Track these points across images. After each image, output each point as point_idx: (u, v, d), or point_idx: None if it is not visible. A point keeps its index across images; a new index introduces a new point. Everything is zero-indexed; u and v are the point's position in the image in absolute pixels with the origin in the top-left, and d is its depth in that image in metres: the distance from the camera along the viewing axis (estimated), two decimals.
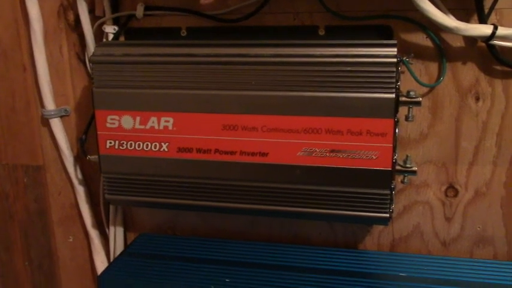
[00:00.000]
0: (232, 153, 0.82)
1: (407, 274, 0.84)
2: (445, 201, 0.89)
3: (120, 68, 0.84)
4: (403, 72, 0.83)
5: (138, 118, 0.84)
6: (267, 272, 0.86)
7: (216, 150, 0.82)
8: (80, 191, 1.03)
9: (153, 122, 0.83)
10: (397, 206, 0.91)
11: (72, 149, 1.03)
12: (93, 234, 1.04)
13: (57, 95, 1.01)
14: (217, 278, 0.85)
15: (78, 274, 1.10)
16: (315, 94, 0.77)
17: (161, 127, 0.83)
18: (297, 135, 0.79)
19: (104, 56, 0.85)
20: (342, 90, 0.76)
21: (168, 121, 0.83)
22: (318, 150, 0.79)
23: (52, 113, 1.00)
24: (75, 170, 1.03)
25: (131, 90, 0.83)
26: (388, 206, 0.79)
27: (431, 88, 0.85)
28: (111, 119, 0.85)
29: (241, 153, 0.81)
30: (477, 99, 0.84)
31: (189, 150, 0.83)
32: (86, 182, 1.04)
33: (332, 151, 0.78)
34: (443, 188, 0.89)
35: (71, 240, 1.09)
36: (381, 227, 0.93)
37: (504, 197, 0.87)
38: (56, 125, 1.01)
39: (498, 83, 0.83)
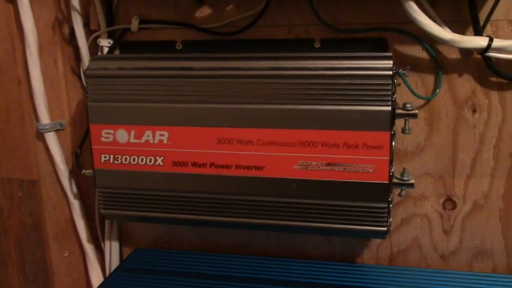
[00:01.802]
0: (227, 167, 0.81)
1: None
2: (443, 213, 0.89)
3: (115, 82, 0.83)
4: (399, 85, 0.83)
5: (132, 132, 0.83)
6: (264, 287, 0.85)
7: (212, 164, 0.82)
8: (75, 205, 1.02)
9: (148, 136, 0.83)
10: (394, 219, 0.90)
11: (67, 163, 1.02)
12: (89, 249, 1.03)
13: (52, 109, 1.00)
14: None
15: None
16: (311, 107, 0.76)
17: (156, 141, 0.83)
18: (292, 149, 0.78)
19: (98, 69, 0.85)
20: (338, 103, 0.75)
21: (163, 135, 0.82)
22: (314, 164, 0.78)
23: (47, 127, 0.99)
24: (70, 184, 1.02)
25: (126, 104, 0.83)
26: (385, 219, 0.78)
27: (428, 100, 0.85)
28: (106, 133, 0.84)
29: (237, 167, 0.81)
30: (474, 111, 0.84)
31: (185, 164, 0.83)
32: (81, 196, 1.03)
33: (328, 164, 0.78)
34: (441, 200, 0.88)
35: (66, 255, 1.08)
36: (379, 240, 0.92)
37: (502, 209, 0.86)
38: (51, 139, 1.00)
39: (494, 95, 0.83)
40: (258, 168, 0.80)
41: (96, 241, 1.04)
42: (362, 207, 0.78)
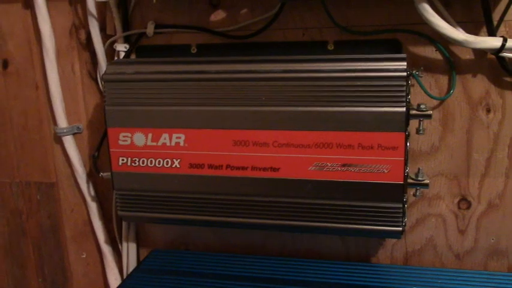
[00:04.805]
0: (243, 168, 0.82)
1: None
2: (457, 213, 0.89)
3: (132, 86, 0.85)
4: (413, 86, 0.83)
5: (150, 135, 0.85)
6: (279, 287, 0.86)
7: (228, 166, 0.83)
8: (93, 207, 1.04)
9: (164, 138, 0.84)
10: (409, 219, 0.90)
11: (84, 166, 1.03)
12: (106, 250, 1.05)
13: (69, 113, 1.02)
14: None
15: None
16: (326, 109, 0.77)
17: (173, 143, 0.84)
18: (308, 150, 0.79)
19: (115, 74, 0.86)
20: (353, 105, 0.76)
21: (179, 137, 0.83)
22: (329, 165, 0.79)
23: (65, 130, 1.01)
24: (88, 186, 1.03)
25: (143, 108, 0.84)
26: (400, 219, 0.79)
27: (442, 101, 0.85)
28: (124, 136, 0.86)
29: (253, 168, 0.82)
30: (488, 111, 0.84)
31: (201, 166, 0.84)
32: (99, 198, 1.05)
33: (343, 165, 0.78)
34: (456, 200, 0.88)
35: (84, 256, 1.09)
36: (394, 240, 0.93)
37: None
38: (69, 142, 1.02)
39: (509, 95, 0.83)
40: (274, 169, 0.81)
41: (114, 242, 1.05)
42: (377, 208, 0.79)
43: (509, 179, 0.85)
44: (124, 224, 1.02)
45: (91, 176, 1.04)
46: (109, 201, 1.04)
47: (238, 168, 0.82)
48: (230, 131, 0.81)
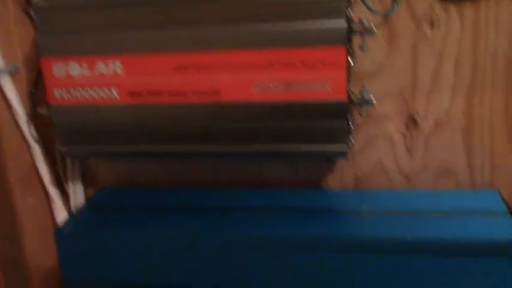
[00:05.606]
0: (184, 94, 0.79)
1: (370, 208, 0.83)
2: (405, 133, 0.88)
3: (64, 13, 0.80)
4: (356, 3, 0.81)
5: (84, 64, 0.81)
6: (228, 215, 0.84)
7: (168, 92, 0.80)
8: (36, 149, 1.00)
9: (100, 66, 0.80)
10: (357, 142, 0.89)
11: (24, 107, 0.99)
12: (53, 192, 1.01)
13: (4, 52, 0.97)
14: (178, 225, 0.83)
15: (40, 234, 1.07)
16: (265, 25, 0.75)
17: (110, 72, 0.80)
18: (249, 70, 0.76)
19: (46, 1, 0.81)
20: (292, 20, 0.74)
21: (116, 65, 0.80)
22: (271, 86, 0.77)
23: (1, 71, 0.96)
24: (29, 128, 0.99)
25: (76, 35, 0.80)
26: (346, 137, 0.78)
27: (386, 17, 0.83)
28: (57, 67, 0.82)
29: (194, 93, 0.79)
30: (432, 25, 0.82)
31: (140, 94, 0.81)
32: (42, 140, 1.01)
33: (286, 85, 0.76)
34: (403, 120, 0.87)
35: (30, 200, 1.06)
36: (343, 164, 0.92)
37: (464, 126, 0.86)
38: (6, 82, 0.97)
39: (452, 9, 0.81)
40: (215, 92, 0.78)
41: (61, 184, 1.02)
42: (322, 127, 0.78)
43: (455, 95, 0.85)
44: (68, 163, 0.98)
45: (32, 117, 1.00)
46: (53, 143, 1.00)
47: (179, 93, 0.80)
48: (168, 55, 0.78)
